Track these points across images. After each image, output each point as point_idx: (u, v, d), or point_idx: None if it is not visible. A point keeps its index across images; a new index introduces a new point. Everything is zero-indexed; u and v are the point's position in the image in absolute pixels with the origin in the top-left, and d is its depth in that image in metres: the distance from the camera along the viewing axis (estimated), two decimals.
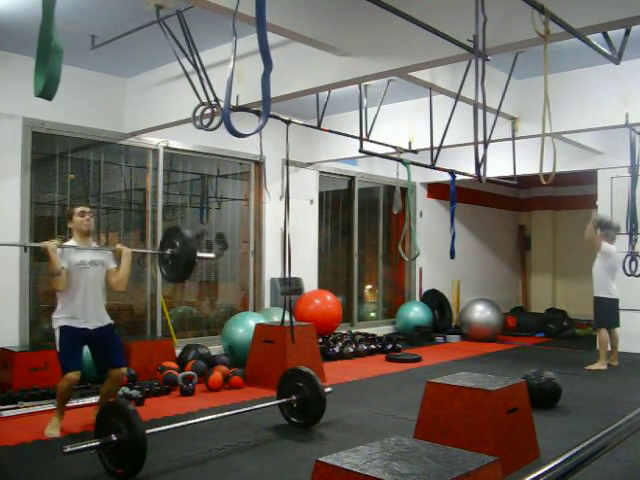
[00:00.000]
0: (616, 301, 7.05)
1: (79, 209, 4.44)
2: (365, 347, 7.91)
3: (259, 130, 2.39)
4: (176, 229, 4.88)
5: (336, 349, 7.56)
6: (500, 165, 7.58)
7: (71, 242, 4.40)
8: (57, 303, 4.33)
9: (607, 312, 7.03)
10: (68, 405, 4.66)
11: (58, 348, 4.24)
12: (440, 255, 9.78)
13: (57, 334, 4.26)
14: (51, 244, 4.13)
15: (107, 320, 4.47)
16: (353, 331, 8.83)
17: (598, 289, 7.08)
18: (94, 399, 4.77)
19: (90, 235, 4.47)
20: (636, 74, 5.82)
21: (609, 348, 7.09)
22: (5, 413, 4.68)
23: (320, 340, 7.36)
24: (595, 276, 7.12)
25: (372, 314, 10.12)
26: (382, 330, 9.51)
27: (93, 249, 4.47)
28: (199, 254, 4.90)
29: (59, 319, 4.28)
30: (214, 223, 7.94)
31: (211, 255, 6.80)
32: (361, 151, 6.06)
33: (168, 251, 4.67)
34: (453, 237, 6.09)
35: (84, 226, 4.38)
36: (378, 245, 10.21)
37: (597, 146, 8.12)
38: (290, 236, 5.27)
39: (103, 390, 4.48)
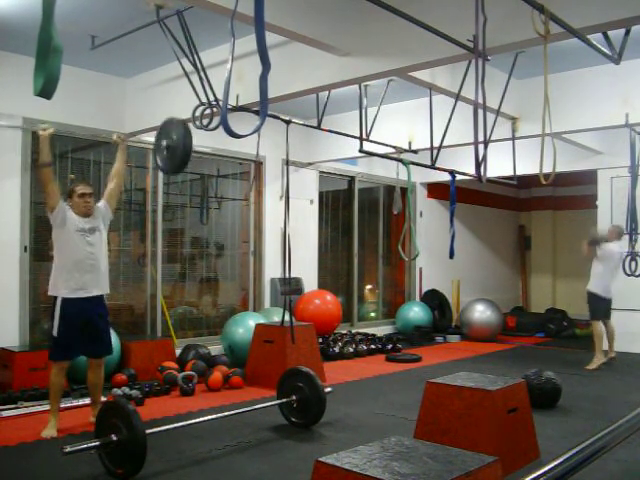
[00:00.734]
0: (609, 301, 7.06)
1: (80, 190, 4.36)
2: (365, 347, 7.91)
3: (256, 131, 2.39)
4: (172, 120, 4.71)
5: (336, 349, 7.56)
6: (500, 165, 7.58)
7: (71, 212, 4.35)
8: (56, 272, 4.28)
9: (598, 305, 7.04)
10: (68, 405, 4.68)
11: (55, 331, 4.20)
12: (440, 255, 9.77)
13: (57, 311, 4.20)
14: (44, 133, 4.13)
15: (106, 288, 4.46)
16: (353, 331, 8.83)
17: (593, 285, 7.08)
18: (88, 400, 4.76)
19: (90, 216, 4.42)
20: (636, 74, 5.82)
21: (605, 346, 7.09)
22: (5, 413, 4.68)
23: (320, 340, 7.36)
24: (593, 274, 7.11)
25: (372, 314, 10.12)
26: (382, 330, 9.51)
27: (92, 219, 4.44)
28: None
29: (60, 288, 4.24)
30: (214, 223, 7.94)
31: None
32: (361, 151, 6.06)
33: (164, 142, 4.52)
34: (453, 237, 6.08)
35: (83, 208, 4.35)
36: (378, 245, 10.21)
37: (597, 146, 8.12)
38: (290, 236, 5.27)
39: (89, 383, 4.51)
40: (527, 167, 7.18)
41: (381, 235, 10.24)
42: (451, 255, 6.01)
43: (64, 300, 4.23)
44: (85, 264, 4.29)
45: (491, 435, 3.43)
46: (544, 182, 3.47)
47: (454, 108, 5.67)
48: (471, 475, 2.10)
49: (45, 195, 4.27)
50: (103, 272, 4.44)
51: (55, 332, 4.22)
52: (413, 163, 6.38)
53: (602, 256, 7.01)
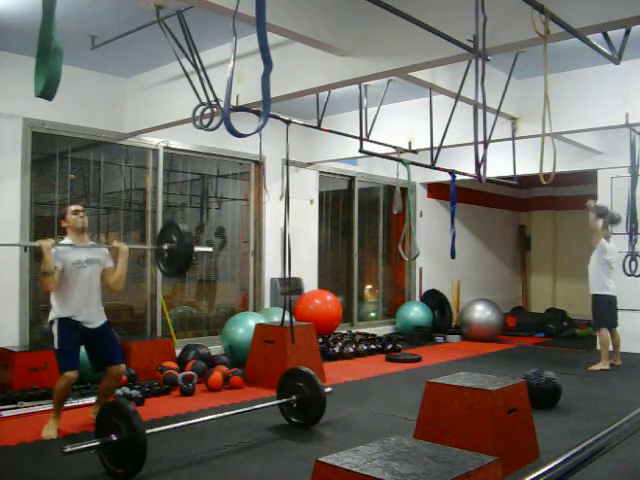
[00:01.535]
0: (614, 298, 7.04)
1: (72, 208, 4.43)
2: (365, 347, 7.91)
3: (259, 130, 2.39)
4: (173, 224, 4.87)
5: (336, 349, 7.56)
6: (500, 165, 7.58)
7: (66, 240, 4.38)
8: (52, 304, 4.31)
9: (606, 311, 7.01)
10: (68, 405, 4.67)
11: (56, 345, 4.21)
12: (440, 255, 9.78)
13: (55, 330, 4.23)
14: (46, 243, 4.12)
15: (103, 319, 4.47)
16: (353, 331, 8.83)
17: (594, 286, 7.06)
18: (93, 399, 4.77)
19: (85, 232, 4.46)
20: (636, 74, 5.82)
21: (611, 348, 7.09)
22: (5, 413, 4.68)
23: (320, 340, 7.36)
24: (591, 273, 7.11)
25: (372, 314, 10.12)
26: (382, 330, 9.51)
27: (89, 247, 4.47)
28: (197, 248, 4.89)
29: (56, 312, 4.26)
30: (214, 223, 7.94)
31: (209, 249, 6.78)
32: (361, 151, 6.06)
33: (165, 246, 4.65)
34: (453, 237, 6.08)
35: (79, 223, 4.37)
36: (378, 245, 10.21)
37: (597, 146, 8.12)
38: (290, 236, 5.27)
39: (101, 388, 4.49)
40: (527, 167, 7.19)
41: (381, 235, 10.24)
42: (452, 255, 6.01)
43: (60, 319, 4.23)
44: (81, 297, 4.28)
45: (491, 435, 3.43)
46: (544, 182, 3.47)
47: (454, 108, 5.67)
48: (471, 475, 2.10)
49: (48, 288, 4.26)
50: (98, 304, 4.43)
51: (56, 345, 4.22)
52: (413, 163, 6.38)
53: (599, 248, 7.01)
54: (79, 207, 4.46)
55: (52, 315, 4.30)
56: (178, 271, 4.81)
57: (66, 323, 4.24)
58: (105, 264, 4.51)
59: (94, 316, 4.38)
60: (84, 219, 4.42)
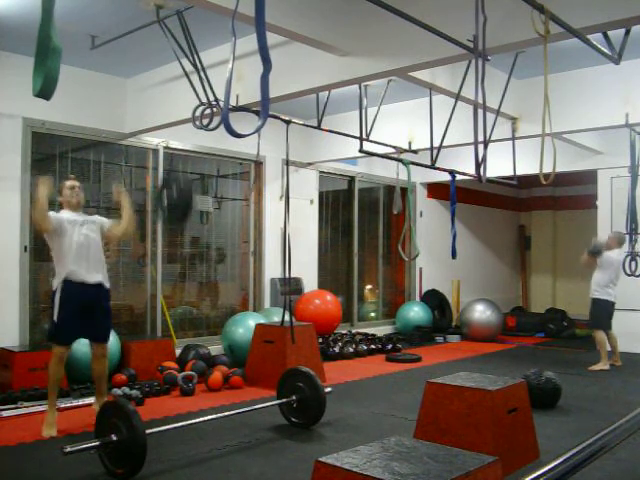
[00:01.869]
0: (613, 305, 7.04)
1: (69, 183, 4.53)
2: (365, 347, 7.91)
3: (258, 130, 2.39)
4: (173, 177, 4.87)
5: (336, 349, 7.56)
6: (500, 165, 7.58)
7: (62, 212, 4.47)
8: (55, 266, 4.36)
9: (603, 314, 7.00)
10: (68, 405, 4.68)
11: (55, 317, 4.25)
12: (440, 255, 9.78)
13: (57, 299, 4.26)
14: (43, 186, 4.19)
15: (105, 280, 4.50)
16: (353, 331, 8.83)
17: (596, 292, 7.06)
18: (93, 399, 4.77)
19: (80, 208, 4.53)
20: (636, 74, 5.82)
21: (608, 348, 7.09)
22: (5, 413, 4.68)
23: (320, 340, 7.36)
24: (595, 281, 7.09)
25: (372, 314, 10.11)
26: (382, 330, 9.51)
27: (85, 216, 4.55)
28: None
29: (60, 275, 4.30)
30: (214, 223, 7.94)
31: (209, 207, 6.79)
32: (361, 151, 6.06)
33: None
34: (454, 237, 6.08)
35: (73, 198, 4.46)
36: (378, 245, 10.20)
37: (597, 146, 8.12)
38: (290, 236, 5.27)
39: (94, 373, 4.56)
40: (527, 167, 7.19)
41: (381, 235, 10.23)
42: (453, 255, 6.01)
43: (64, 282, 4.28)
44: (80, 250, 4.33)
45: (491, 435, 3.42)
46: (544, 182, 3.47)
47: (454, 108, 5.67)
48: (471, 475, 2.10)
49: (39, 226, 4.31)
50: (100, 261, 4.48)
51: (55, 317, 4.26)
52: (413, 163, 6.38)
53: (602, 264, 7.00)
54: (75, 183, 4.55)
55: (55, 282, 4.33)
56: (181, 215, 4.77)
57: (68, 290, 4.26)
58: (103, 223, 4.58)
59: (96, 272, 4.40)
60: (79, 195, 4.51)
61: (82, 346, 5.09)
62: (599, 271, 7.06)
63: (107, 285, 4.53)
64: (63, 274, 4.29)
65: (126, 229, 4.62)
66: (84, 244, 4.37)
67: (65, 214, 4.43)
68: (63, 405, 4.81)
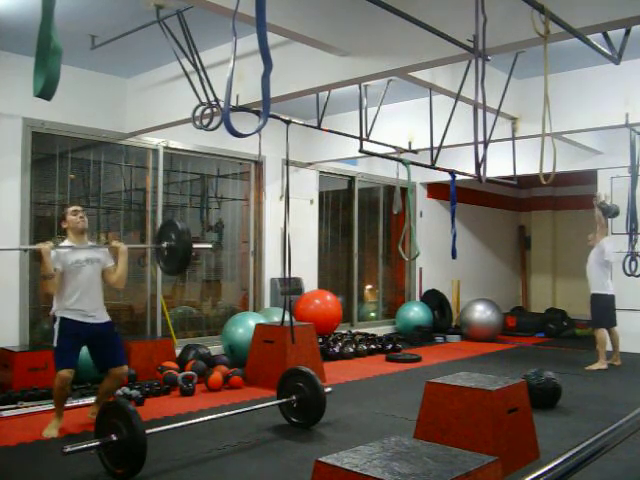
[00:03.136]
0: (612, 298, 7.04)
1: (72, 208, 4.46)
2: (365, 347, 7.91)
3: (259, 130, 2.39)
4: (171, 222, 4.90)
5: (336, 349, 7.56)
6: (500, 165, 7.58)
7: (66, 242, 4.41)
8: (54, 303, 4.34)
9: (604, 311, 7.01)
10: (68, 405, 4.67)
11: (55, 343, 4.23)
12: (440, 255, 9.78)
13: (56, 327, 4.25)
14: (45, 246, 4.13)
15: (106, 318, 4.48)
16: (353, 331, 8.83)
17: (593, 286, 7.08)
18: (93, 399, 4.77)
19: (85, 233, 4.48)
20: (636, 74, 5.82)
21: (609, 347, 7.08)
22: (5, 413, 4.68)
23: (320, 340, 7.36)
24: (589, 273, 7.13)
25: (372, 314, 10.11)
26: (382, 330, 9.51)
27: (89, 247, 4.48)
28: (195, 245, 4.93)
29: (58, 303, 4.29)
30: (214, 223, 7.94)
31: (208, 245, 6.80)
32: (361, 151, 6.06)
33: (164, 244, 4.68)
34: (454, 237, 6.08)
35: (79, 224, 4.40)
36: (378, 245, 10.20)
37: (597, 146, 8.12)
38: (290, 236, 5.27)
39: (102, 388, 4.48)
40: (527, 167, 7.18)
41: (381, 235, 10.23)
42: (453, 255, 6.01)
43: (62, 319, 4.25)
44: (81, 292, 4.30)
45: (491, 435, 3.43)
46: (544, 182, 3.46)
47: (454, 108, 5.67)
48: (471, 475, 2.10)
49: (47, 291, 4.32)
50: (99, 298, 4.45)
51: (55, 343, 4.24)
52: (413, 163, 6.38)
53: (598, 247, 7.02)
54: (77, 207, 4.48)
55: (55, 306, 4.31)
56: (177, 268, 4.84)
57: (69, 323, 4.25)
58: (106, 263, 4.53)
59: (96, 315, 4.38)
60: (84, 220, 4.44)
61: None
62: (592, 257, 7.08)
63: (107, 319, 4.49)
64: (62, 307, 4.27)
65: (116, 282, 4.53)
66: (85, 287, 4.33)
67: (69, 253, 4.32)
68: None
